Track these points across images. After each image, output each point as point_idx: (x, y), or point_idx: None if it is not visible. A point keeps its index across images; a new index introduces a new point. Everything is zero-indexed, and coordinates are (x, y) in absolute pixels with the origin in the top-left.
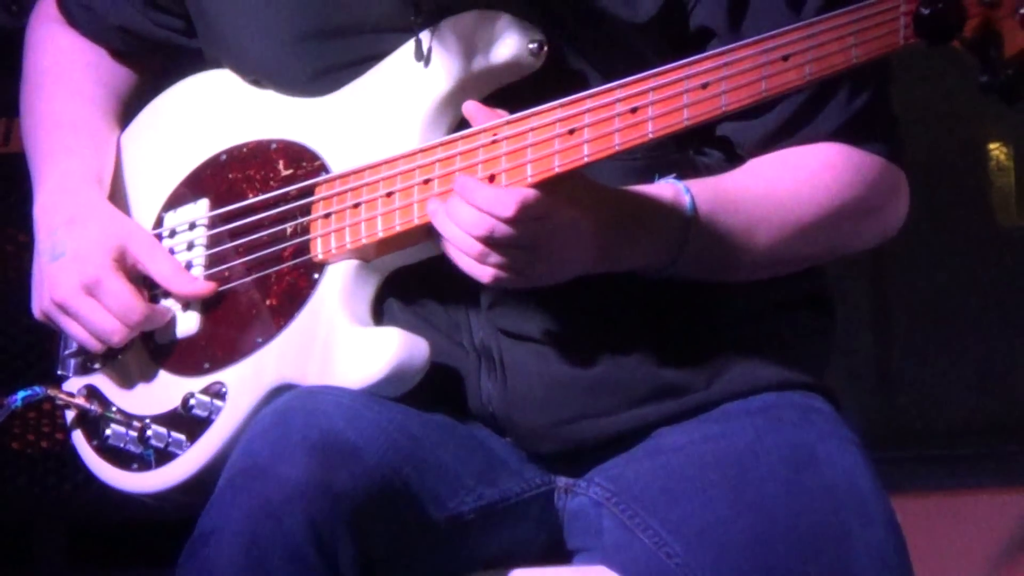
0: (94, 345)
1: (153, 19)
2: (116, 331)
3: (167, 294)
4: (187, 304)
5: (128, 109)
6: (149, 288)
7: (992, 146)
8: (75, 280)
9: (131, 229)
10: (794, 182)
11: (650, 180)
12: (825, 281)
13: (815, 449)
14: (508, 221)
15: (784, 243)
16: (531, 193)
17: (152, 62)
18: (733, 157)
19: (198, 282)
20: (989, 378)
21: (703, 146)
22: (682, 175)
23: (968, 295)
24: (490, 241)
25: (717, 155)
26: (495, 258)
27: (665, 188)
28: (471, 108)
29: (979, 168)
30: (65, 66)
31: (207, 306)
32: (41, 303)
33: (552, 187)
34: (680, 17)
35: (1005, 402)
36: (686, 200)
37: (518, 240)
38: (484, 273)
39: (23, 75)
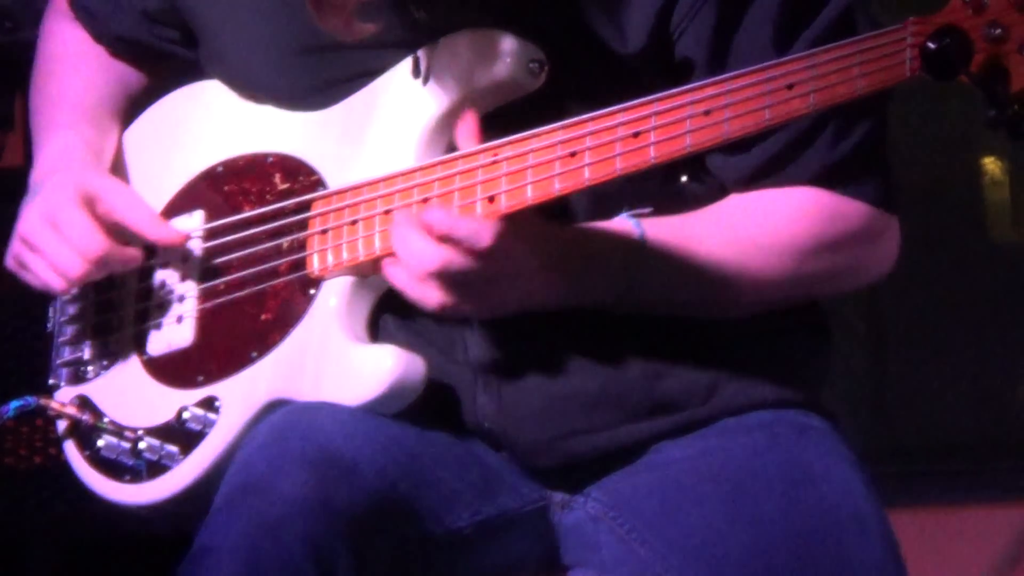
0: (56, 281)
1: (152, 32)
2: (74, 265)
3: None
4: (181, 317)
5: (134, 105)
6: (134, 322)
7: (986, 160)
8: (38, 213)
9: (108, 181)
10: (760, 228)
11: (618, 209)
12: (821, 308)
13: (812, 466)
14: (477, 252)
15: (743, 288)
16: (500, 226)
17: (157, 66)
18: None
19: (171, 228)
20: (985, 393)
21: (696, 170)
22: (661, 205)
23: (963, 310)
24: (444, 272)
25: (712, 182)
26: (442, 288)
27: (616, 226)
28: (466, 129)
29: (973, 183)
30: (76, 55)
31: (202, 319)
32: (11, 245)
33: (507, 222)
34: (668, 48)
35: (1001, 417)
36: (636, 236)
37: (471, 274)
38: (430, 300)
39: (35, 62)
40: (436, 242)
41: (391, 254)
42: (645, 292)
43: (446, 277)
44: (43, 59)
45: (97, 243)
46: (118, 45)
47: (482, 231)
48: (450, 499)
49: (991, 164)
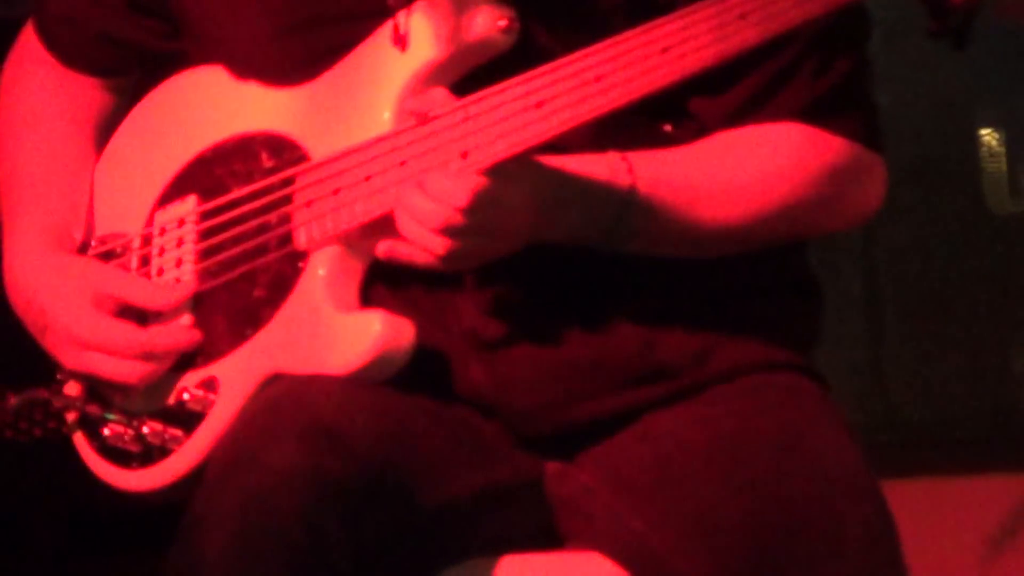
0: (129, 389)
1: (136, 23)
2: (132, 369)
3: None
4: None
5: (108, 134)
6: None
7: (983, 132)
8: (69, 348)
9: (90, 272)
10: (746, 161)
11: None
12: (809, 267)
13: (802, 429)
14: (462, 211)
15: (731, 224)
16: (482, 181)
17: (131, 78)
18: (708, 130)
19: (174, 289)
20: (981, 364)
21: (680, 118)
22: (646, 147)
23: (960, 281)
24: (447, 231)
25: (696, 129)
26: (449, 243)
27: (601, 159)
28: (413, 104)
29: (970, 154)
30: (34, 111)
31: (199, 301)
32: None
33: (499, 170)
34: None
35: (997, 388)
36: (623, 168)
37: (470, 228)
38: (436, 261)
39: None
40: (434, 201)
41: (375, 220)
42: (635, 223)
43: (450, 232)
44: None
45: (136, 338)
46: (98, 50)
47: (458, 189)
48: (444, 470)
49: (988, 136)
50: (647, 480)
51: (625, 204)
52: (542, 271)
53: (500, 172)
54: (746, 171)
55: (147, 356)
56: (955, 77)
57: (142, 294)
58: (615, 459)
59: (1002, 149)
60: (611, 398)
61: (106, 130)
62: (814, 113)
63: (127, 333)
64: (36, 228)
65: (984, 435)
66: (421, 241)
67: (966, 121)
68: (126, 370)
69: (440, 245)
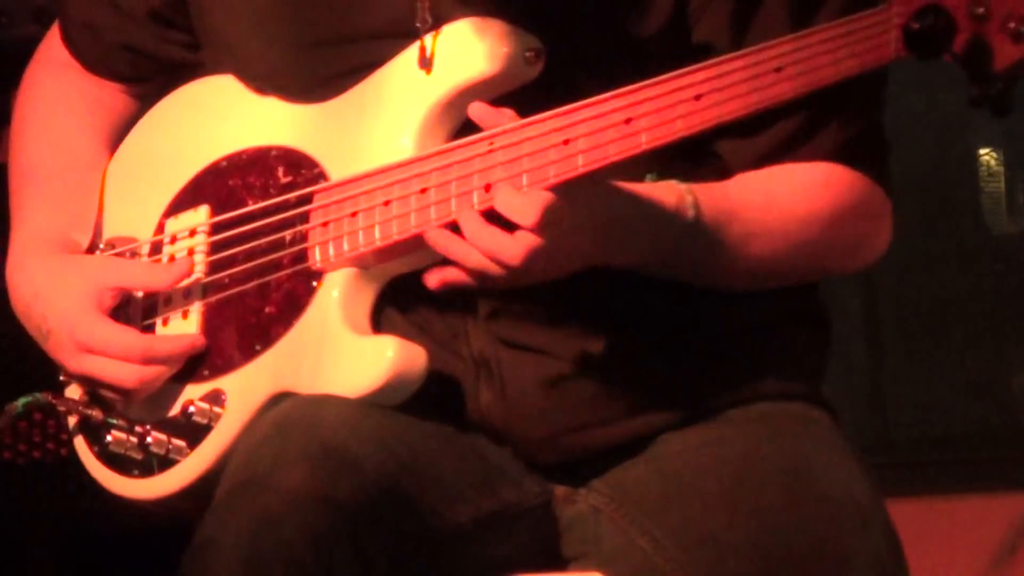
0: (129, 393)
1: (157, 34)
2: (131, 373)
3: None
4: (187, 312)
5: (122, 123)
6: (141, 320)
7: (982, 152)
8: (71, 350)
9: (89, 267)
10: (792, 196)
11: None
12: (819, 300)
13: (813, 458)
14: (533, 228)
15: (777, 257)
16: (551, 198)
17: (155, 84)
18: (730, 174)
19: (173, 266)
20: (981, 384)
21: (704, 159)
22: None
23: (959, 301)
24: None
25: (718, 170)
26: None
27: (670, 189)
28: (477, 109)
29: (969, 174)
30: (53, 113)
31: (207, 314)
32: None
33: (568, 189)
34: (686, 30)
35: (997, 408)
36: (689, 202)
37: (541, 248)
38: (489, 280)
39: (12, 126)
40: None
41: (391, 244)
42: (692, 253)
43: (527, 260)
44: (17, 122)
45: (134, 344)
46: (119, 60)
47: (528, 207)
48: (452, 493)
49: (987, 155)
50: (654, 502)
51: (690, 234)
52: (554, 299)
53: (569, 191)
54: (793, 201)
55: (148, 360)
56: (954, 97)
57: (142, 276)
58: (623, 481)
59: (1000, 169)
60: (621, 424)
61: (122, 129)
62: (846, 153)
63: (128, 336)
64: (41, 229)
65: (984, 454)
66: (494, 252)
67: (965, 141)
68: (125, 374)
69: (512, 257)
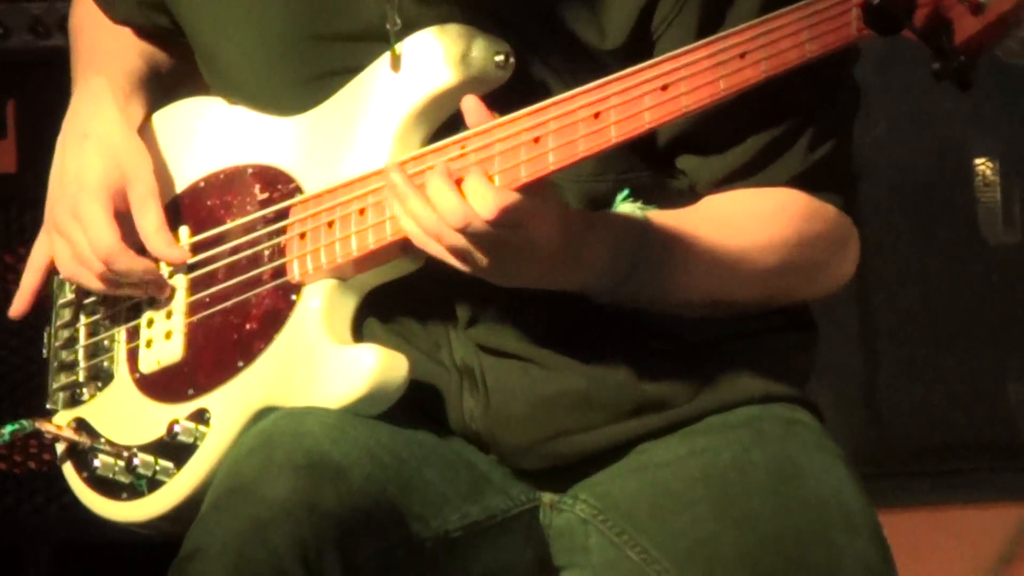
0: (82, 271)
1: (152, 20)
2: (92, 261)
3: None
4: (169, 332)
5: (162, 77)
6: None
7: (978, 161)
8: (68, 202)
9: (135, 169)
10: (750, 222)
11: (611, 203)
12: (806, 305)
13: (799, 461)
14: (488, 222)
15: (733, 283)
16: (515, 198)
17: (179, 47)
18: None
19: (175, 248)
20: (976, 394)
21: (673, 170)
22: (650, 198)
23: (954, 311)
24: (465, 232)
25: (687, 180)
26: (460, 247)
27: (623, 215)
28: (470, 103)
29: (965, 184)
30: (107, 23)
31: (190, 333)
32: (46, 216)
33: (533, 194)
34: (647, 44)
35: (992, 418)
36: (641, 227)
37: (488, 240)
38: (445, 256)
39: (70, 25)
40: (463, 202)
41: (369, 253)
42: (645, 280)
43: (470, 236)
44: (76, 17)
45: (109, 247)
46: (131, 27)
47: (490, 200)
48: (438, 501)
49: (982, 165)
50: (643, 513)
51: (643, 231)
52: (536, 305)
53: (533, 196)
54: (750, 228)
55: (107, 261)
56: (950, 106)
57: (150, 230)
58: (611, 491)
59: (996, 178)
60: (605, 431)
61: (167, 72)
62: (804, 181)
63: (108, 234)
64: (101, 81)
65: (980, 465)
66: (435, 230)
67: (961, 150)
68: (87, 256)
69: (455, 241)
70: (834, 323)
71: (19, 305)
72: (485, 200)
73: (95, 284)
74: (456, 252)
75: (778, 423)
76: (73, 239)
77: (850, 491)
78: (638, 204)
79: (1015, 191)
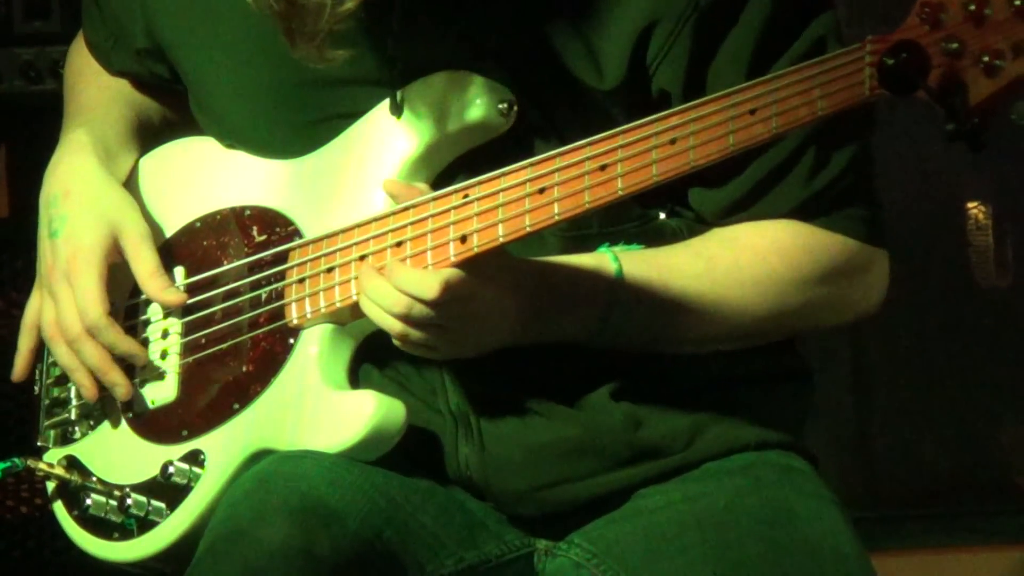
0: (64, 331)
1: (149, 69)
2: (74, 324)
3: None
4: (164, 372)
5: (153, 127)
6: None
7: (970, 205)
8: (61, 264)
9: (123, 218)
10: (737, 261)
11: (595, 249)
12: (800, 352)
13: (794, 508)
14: (430, 304)
15: (721, 322)
16: (454, 275)
17: (171, 99)
18: (705, 220)
19: (171, 291)
20: (968, 437)
21: (677, 205)
22: (639, 242)
23: (946, 354)
24: (408, 320)
25: (691, 217)
26: (414, 334)
27: (591, 259)
28: (391, 186)
29: (957, 228)
30: (100, 75)
31: (185, 374)
32: (38, 275)
33: (474, 266)
34: (644, 82)
35: (983, 461)
36: (612, 270)
37: (436, 320)
38: (407, 345)
39: (65, 76)
40: (397, 291)
41: None
42: (622, 324)
43: (412, 322)
44: (70, 72)
45: (94, 314)
46: (128, 78)
47: (426, 283)
48: (434, 547)
49: (975, 209)
50: (636, 557)
51: (613, 296)
52: (530, 353)
53: (475, 268)
54: (738, 271)
55: (90, 328)
56: (942, 150)
57: (145, 274)
58: (605, 536)
59: (989, 222)
60: (600, 478)
61: (154, 122)
62: (809, 211)
63: (95, 301)
64: (82, 133)
65: (971, 508)
66: (382, 322)
67: (953, 194)
68: (71, 319)
69: (402, 333)
70: (827, 365)
71: (19, 368)
72: (422, 283)
73: (63, 355)
74: (417, 339)
75: (773, 470)
76: (61, 305)
77: (844, 536)
78: (620, 244)
79: (1007, 235)
